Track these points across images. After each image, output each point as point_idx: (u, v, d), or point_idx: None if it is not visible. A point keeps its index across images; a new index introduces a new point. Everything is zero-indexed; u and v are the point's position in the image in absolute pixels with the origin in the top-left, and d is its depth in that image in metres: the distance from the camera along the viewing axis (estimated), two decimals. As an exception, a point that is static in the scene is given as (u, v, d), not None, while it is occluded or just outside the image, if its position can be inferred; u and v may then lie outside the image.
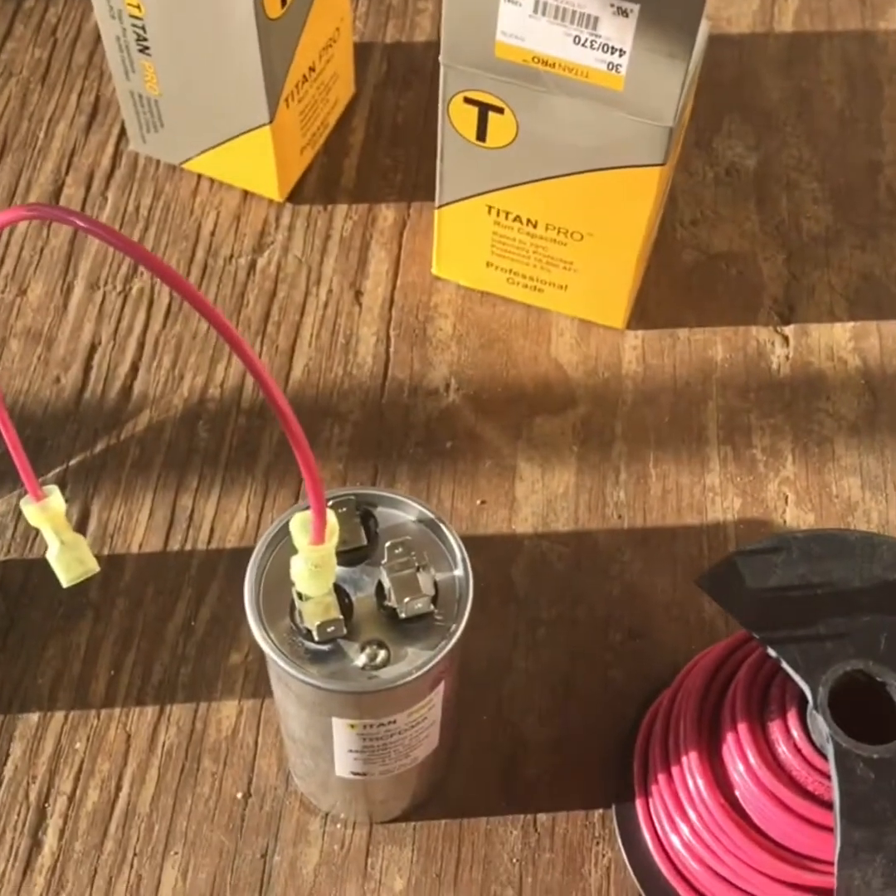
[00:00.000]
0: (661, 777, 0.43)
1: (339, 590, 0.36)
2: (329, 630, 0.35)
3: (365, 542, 0.37)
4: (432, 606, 0.35)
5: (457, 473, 0.53)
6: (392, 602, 0.35)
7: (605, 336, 0.57)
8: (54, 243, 0.59)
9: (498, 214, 0.53)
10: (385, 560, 0.36)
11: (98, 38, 0.65)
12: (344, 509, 0.36)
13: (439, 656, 0.35)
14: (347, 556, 0.36)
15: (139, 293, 0.57)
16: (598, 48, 0.44)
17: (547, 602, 0.50)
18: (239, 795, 0.46)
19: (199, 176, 0.61)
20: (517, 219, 0.52)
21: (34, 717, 0.47)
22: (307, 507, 0.33)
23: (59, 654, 0.48)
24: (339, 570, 0.36)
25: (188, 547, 0.51)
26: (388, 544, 0.36)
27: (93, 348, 0.56)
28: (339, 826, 0.45)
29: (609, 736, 0.47)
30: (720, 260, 0.59)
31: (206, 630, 0.49)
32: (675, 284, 0.59)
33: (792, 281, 0.59)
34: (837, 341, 0.57)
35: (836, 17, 0.68)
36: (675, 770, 0.42)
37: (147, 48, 0.54)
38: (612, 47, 0.44)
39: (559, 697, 0.48)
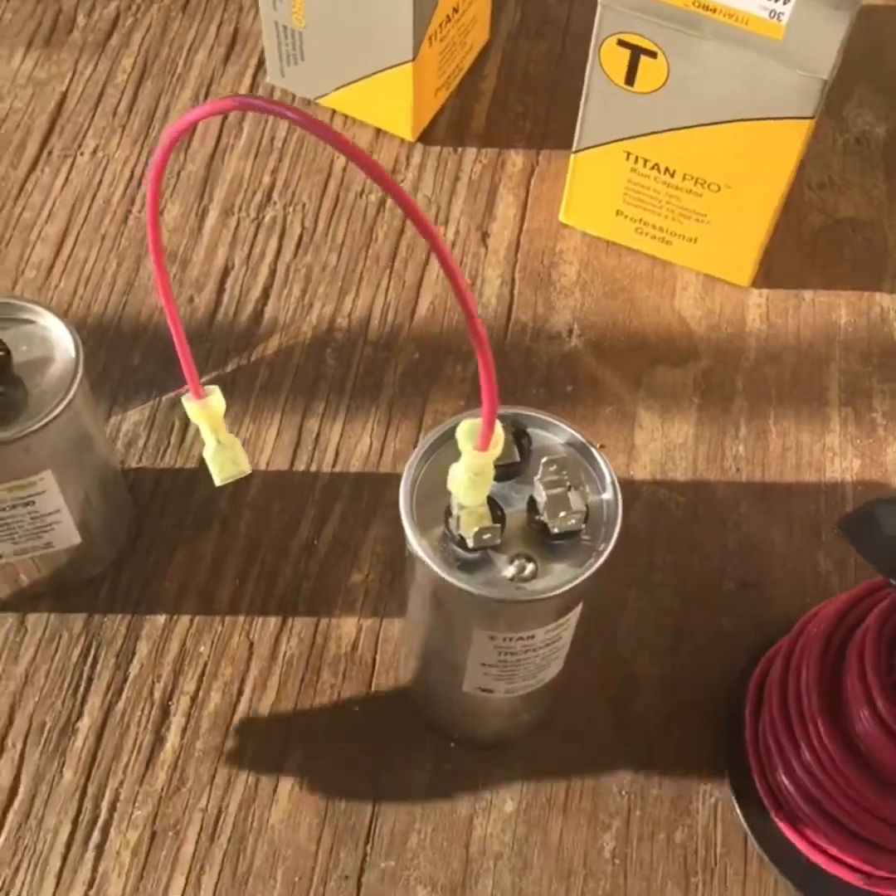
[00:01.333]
0: (778, 721, 0.43)
1: (491, 503, 0.36)
2: (485, 537, 0.35)
3: (518, 458, 0.37)
4: (583, 524, 0.36)
5: (577, 417, 0.54)
6: (543, 517, 0.36)
7: (729, 293, 0.57)
8: (191, 168, 0.60)
9: (636, 161, 0.53)
10: (539, 476, 0.36)
11: (240, -28, 0.66)
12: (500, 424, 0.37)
13: (587, 573, 0.36)
14: (500, 471, 0.37)
15: (272, 221, 0.58)
16: (763, -5, 0.44)
17: (662, 547, 0.51)
18: (356, 709, 0.47)
19: (333, 112, 0.62)
20: (655, 167, 0.53)
21: (160, 619, 0.48)
22: (470, 415, 0.34)
23: (186, 561, 0.50)
24: (492, 484, 0.37)
25: (313, 468, 0.52)
26: (543, 461, 0.36)
27: (226, 272, 0.57)
28: (452, 745, 0.46)
29: (719, 679, 0.48)
30: (846, 225, 0.60)
31: (328, 549, 0.50)
32: (801, 246, 0.59)
33: (919, 250, 0.59)
34: (964, 311, 0.57)
35: (973, -8, 0.68)
36: (793, 713, 0.43)
37: (299, -21, 0.55)
38: (778, -5, 0.44)
39: (670, 639, 0.49)
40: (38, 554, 0.46)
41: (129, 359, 0.54)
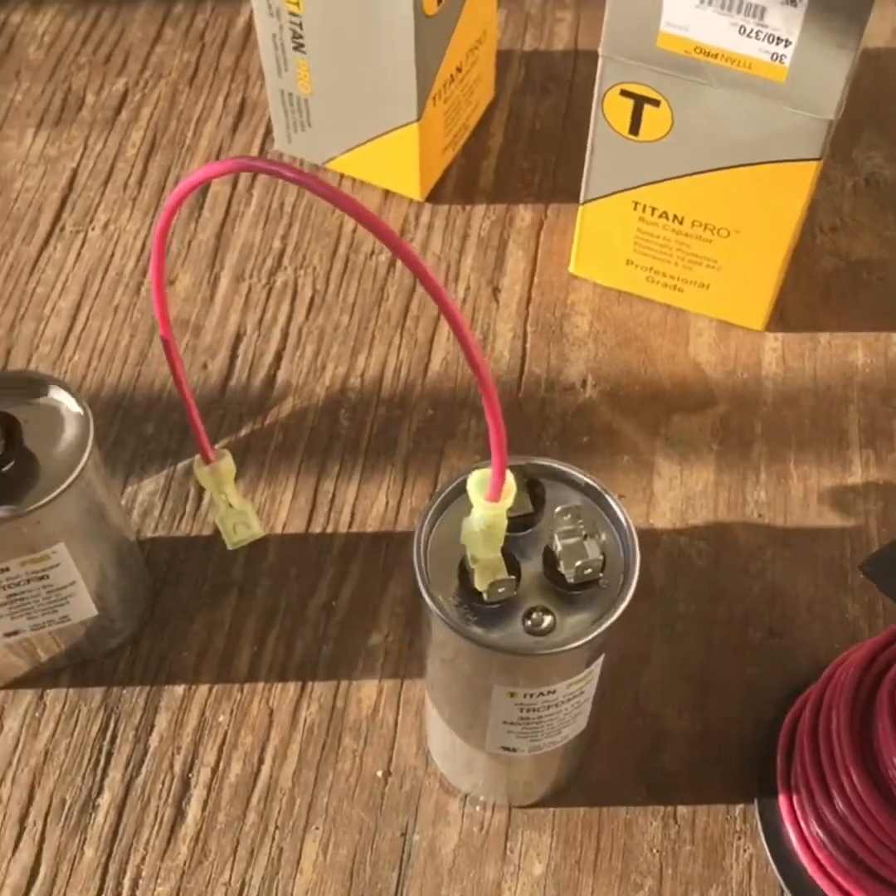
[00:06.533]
0: (810, 770, 0.42)
1: (505, 556, 0.36)
2: (500, 590, 0.35)
3: (531, 509, 0.37)
4: (600, 573, 0.36)
5: (594, 468, 0.53)
6: (560, 567, 0.35)
7: (744, 337, 0.57)
8: (201, 237, 0.60)
9: (644, 210, 0.53)
10: (553, 526, 0.36)
11: (244, 42, 0.67)
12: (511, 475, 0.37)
13: (607, 623, 0.35)
14: (514, 522, 0.36)
15: (283, 286, 0.59)
16: (763, 38, 0.44)
17: (685, 597, 0.50)
18: (379, 774, 0.46)
19: (342, 175, 0.62)
20: (664, 215, 0.53)
21: (179, 689, 0.48)
22: (480, 466, 0.34)
23: (204, 629, 0.49)
24: (507, 536, 0.36)
25: (330, 529, 0.52)
26: (557, 510, 0.36)
27: (238, 337, 0.57)
28: (478, 808, 0.45)
29: (749, 731, 0.47)
30: (860, 267, 0.59)
31: (346, 610, 0.50)
32: (815, 289, 0.58)
33: (934, 289, 0.58)
34: (982, 348, 0.56)
35: (976, 32, 0.68)
36: (825, 762, 0.42)
37: (302, 45, 0.56)
38: (779, 37, 0.44)
39: (697, 691, 0.48)
40: (55, 628, 0.45)
41: (143, 428, 0.54)
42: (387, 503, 0.52)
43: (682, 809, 0.45)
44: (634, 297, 0.58)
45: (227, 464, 0.38)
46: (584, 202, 0.54)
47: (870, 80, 0.66)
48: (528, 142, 0.64)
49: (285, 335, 0.57)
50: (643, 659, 0.49)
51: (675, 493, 0.53)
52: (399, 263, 0.60)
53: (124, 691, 0.48)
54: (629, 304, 0.58)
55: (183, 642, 0.49)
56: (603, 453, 0.54)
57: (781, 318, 0.57)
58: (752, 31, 0.44)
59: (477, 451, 0.54)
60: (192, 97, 0.66)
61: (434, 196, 0.62)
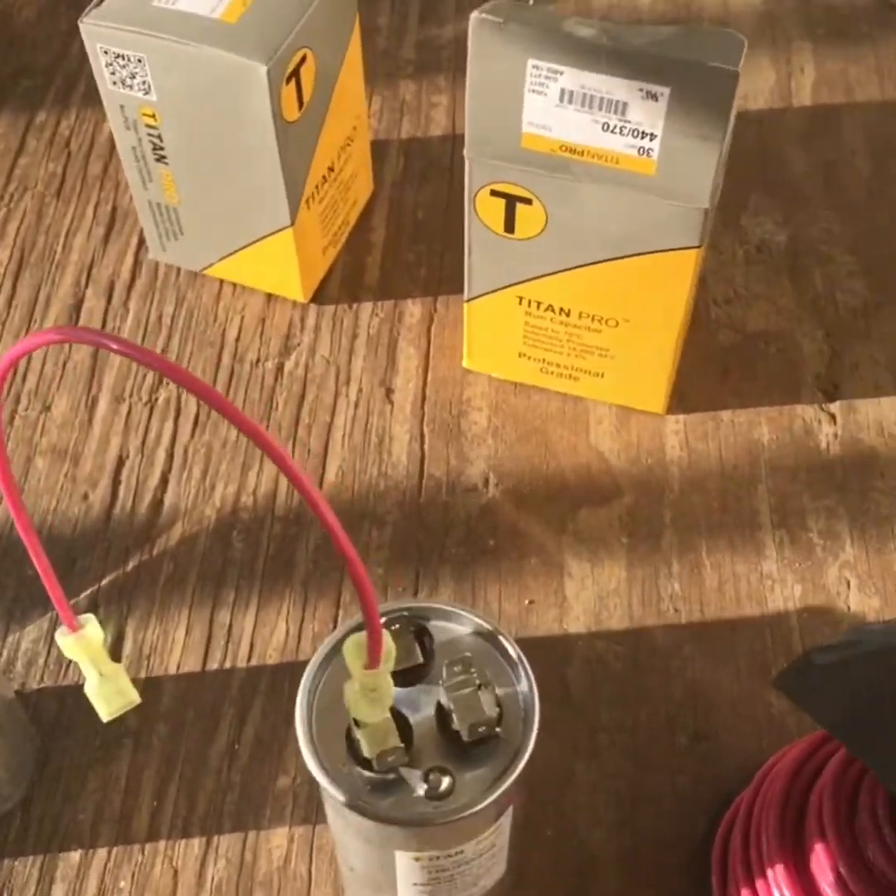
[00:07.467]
0: (745, 893, 0.40)
1: (395, 713, 0.34)
2: (390, 759, 0.32)
3: (421, 660, 0.34)
4: (497, 728, 0.33)
5: (502, 573, 0.51)
6: (454, 724, 0.33)
7: (645, 422, 0.55)
8: (77, 358, 0.58)
9: (529, 305, 0.51)
10: (444, 679, 0.33)
11: (112, 149, 0.65)
12: (396, 626, 0.34)
13: (508, 782, 0.33)
14: (403, 675, 0.34)
15: (165, 403, 0.56)
16: (628, 134, 0.43)
17: (606, 706, 0.48)
18: (294, 931, 0.43)
19: (222, 281, 0.60)
20: (549, 308, 0.51)
21: (76, 855, 0.45)
22: (359, 628, 0.32)
23: (99, 787, 0.46)
24: (395, 690, 0.34)
25: (228, 665, 0.49)
26: (446, 663, 0.34)
27: (120, 462, 0.54)
28: (401, 960, 0.43)
29: (682, 846, 0.45)
30: (758, 339, 0.58)
31: (250, 753, 0.47)
32: (713, 365, 0.57)
33: (834, 357, 0.57)
34: (887, 416, 0.55)
35: (854, 88, 0.67)
36: (759, 885, 0.39)
37: (164, 157, 0.54)
38: (643, 132, 0.43)
39: (626, 808, 0.46)
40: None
41: (23, 570, 0.51)
42: (287, 630, 0.50)
43: (618, 939, 0.43)
44: (531, 387, 0.56)
45: (94, 628, 0.36)
46: (469, 299, 0.53)
47: (752, 142, 0.65)
48: (412, 233, 0.62)
49: (171, 456, 0.55)
50: (566, 777, 0.46)
51: (588, 594, 0.51)
52: (287, 369, 0.57)
53: (16, 863, 0.45)
54: (527, 396, 0.56)
55: (77, 803, 0.46)
56: (510, 557, 0.52)
57: (682, 398, 0.56)
58: (615, 126, 0.42)
59: (379, 562, 0.52)
60: (60, 209, 0.63)
61: (319, 296, 0.60)
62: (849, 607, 0.50)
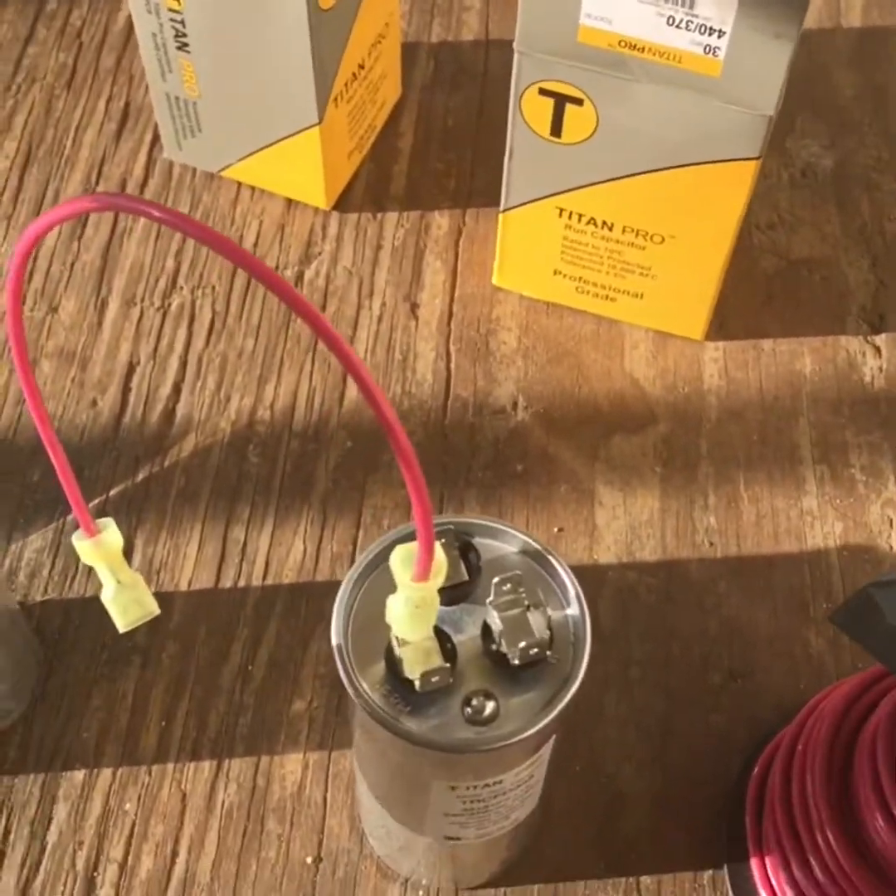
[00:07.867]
0: (783, 834, 0.38)
1: (439, 633, 0.31)
2: (433, 680, 0.30)
3: (467, 577, 0.32)
4: (548, 652, 0.31)
5: (530, 499, 0.49)
6: (501, 646, 0.31)
7: (683, 348, 0.53)
8: (85, 258, 0.55)
9: (570, 217, 0.49)
10: (491, 598, 0.31)
11: (126, 42, 0.61)
12: (442, 541, 0.32)
13: (556, 709, 0.31)
14: (447, 593, 0.32)
15: (179, 309, 0.53)
16: (694, 29, 0.40)
17: (637, 638, 0.46)
18: (308, 860, 0.41)
19: (239, 184, 0.57)
20: (591, 221, 0.48)
21: (79, 775, 0.43)
22: (405, 537, 0.29)
23: (104, 704, 0.44)
24: (439, 610, 0.31)
25: (242, 583, 0.47)
26: (495, 581, 0.31)
27: (131, 369, 0.52)
28: (421, 893, 0.41)
29: (715, 787, 0.43)
30: (802, 266, 0.55)
31: (264, 675, 0.45)
32: (755, 293, 0.54)
33: (880, 288, 0.55)
34: (936, 350, 0.53)
35: (907, 9, 0.64)
36: (800, 825, 0.38)
37: (186, 45, 0.50)
38: (711, 28, 0.40)
39: (657, 745, 0.44)
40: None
41: (27, 476, 0.49)
42: (304, 550, 0.48)
43: (646, 880, 0.41)
44: (564, 308, 0.53)
45: (113, 534, 0.33)
46: (505, 210, 0.50)
47: (801, 62, 0.62)
48: (441, 142, 0.59)
49: (184, 364, 0.52)
50: (596, 712, 0.44)
51: (619, 524, 0.48)
52: (307, 278, 0.55)
53: (16, 780, 0.43)
54: (559, 316, 0.54)
55: (81, 720, 0.44)
56: (539, 483, 0.49)
57: (722, 325, 0.53)
58: (681, 21, 0.39)
59: (402, 485, 0.49)
60: (70, 102, 0.60)
61: (342, 204, 0.57)
62: (891, 546, 0.48)
